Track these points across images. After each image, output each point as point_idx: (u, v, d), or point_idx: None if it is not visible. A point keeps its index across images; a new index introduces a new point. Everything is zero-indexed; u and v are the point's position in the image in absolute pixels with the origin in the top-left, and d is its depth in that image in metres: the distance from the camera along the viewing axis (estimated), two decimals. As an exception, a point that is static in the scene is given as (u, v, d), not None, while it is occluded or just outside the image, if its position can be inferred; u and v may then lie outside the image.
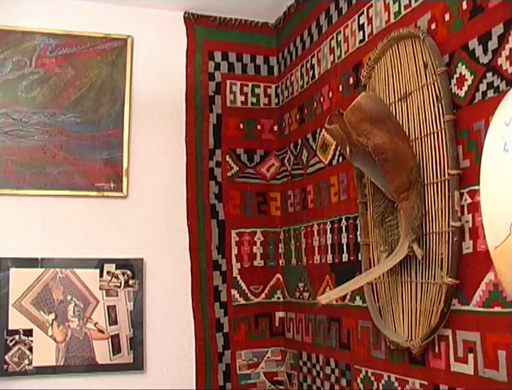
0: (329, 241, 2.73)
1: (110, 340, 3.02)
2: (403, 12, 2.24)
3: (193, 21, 3.31)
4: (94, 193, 3.07)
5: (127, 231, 3.11)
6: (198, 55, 3.28)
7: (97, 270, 3.02)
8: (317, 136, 2.85)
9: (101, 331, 3.02)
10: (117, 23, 3.22)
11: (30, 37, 3.09)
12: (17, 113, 3.03)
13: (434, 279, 2.05)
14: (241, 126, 3.28)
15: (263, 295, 3.22)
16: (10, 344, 2.91)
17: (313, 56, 2.93)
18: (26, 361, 2.92)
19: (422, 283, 2.11)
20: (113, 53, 3.16)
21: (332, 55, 2.75)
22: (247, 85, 3.32)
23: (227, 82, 3.29)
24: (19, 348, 2.92)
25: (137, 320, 3.05)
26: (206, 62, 3.28)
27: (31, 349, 2.93)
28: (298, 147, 3.05)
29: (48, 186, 3.02)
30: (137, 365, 3.05)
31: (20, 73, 3.06)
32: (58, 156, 3.04)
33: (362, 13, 2.50)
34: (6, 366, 2.90)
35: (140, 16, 3.26)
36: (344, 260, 2.61)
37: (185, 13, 3.29)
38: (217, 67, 3.29)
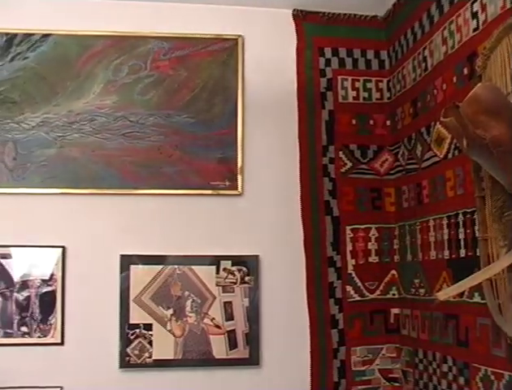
0: (446, 237, 2.66)
1: (226, 335, 3.08)
2: (520, -3, 2.15)
3: (301, 18, 3.31)
4: (210, 192, 3.13)
5: (242, 229, 3.16)
6: (308, 52, 3.28)
7: (214, 267, 3.09)
8: (431, 129, 2.79)
9: (217, 326, 3.08)
10: (227, 24, 3.27)
11: (144, 42, 3.19)
12: (134, 115, 3.14)
13: (558, 275, 1.97)
14: (354, 121, 3.25)
15: (378, 291, 3.18)
16: (132, 337, 3.03)
17: (425, 48, 2.87)
18: (146, 354, 3.04)
19: (545, 280, 2.03)
20: (224, 53, 3.22)
21: (445, 46, 2.68)
22: (358, 80, 3.29)
23: (339, 78, 3.27)
24: (140, 342, 3.03)
25: (253, 316, 3.09)
26: (316, 59, 3.27)
27: (151, 343, 3.04)
28: (412, 141, 2.99)
29: (164, 185, 3.11)
30: (253, 360, 3.10)
31: (136, 76, 3.17)
32: (173, 156, 3.13)
33: (476, 0, 2.43)
34: (127, 359, 3.02)
35: (249, 16, 3.30)
36: (461, 256, 2.54)
37: (294, 10, 3.30)
38: (327, 63, 3.27)
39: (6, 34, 3.11)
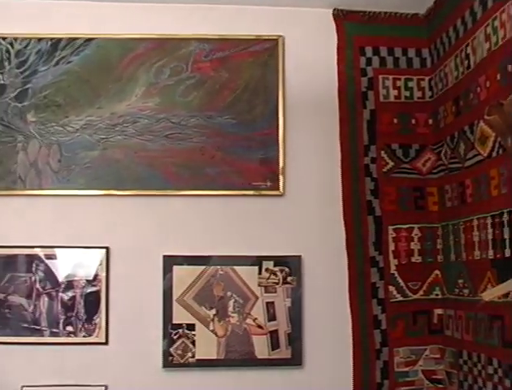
0: (490, 236, 2.63)
1: (268, 335, 3.09)
2: None
3: (342, 17, 3.29)
4: (251, 192, 3.14)
5: (284, 229, 3.16)
6: (349, 51, 3.26)
7: (256, 268, 3.10)
8: (474, 128, 2.76)
9: (260, 326, 3.09)
10: (268, 24, 3.27)
11: (185, 44, 3.22)
12: (176, 117, 3.17)
13: None
14: (395, 121, 3.23)
15: (421, 292, 3.15)
16: (175, 337, 3.06)
17: (467, 45, 2.83)
18: (189, 354, 3.06)
19: None
20: (265, 53, 3.23)
21: (488, 43, 2.64)
22: (400, 79, 3.26)
23: (380, 77, 3.25)
24: (183, 342, 3.06)
25: (295, 316, 3.09)
26: (357, 58, 3.26)
27: (193, 343, 3.06)
28: (455, 140, 2.96)
29: (206, 186, 3.13)
30: (296, 360, 3.10)
31: (177, 78, 3.20)
32: (215, 157, 3.14)
33: (520, -4, 2.39)
34: (170, 358, 3.05)
35: (289, 16, 3.30)
36: (506, 255, 2.50)
37: (334, 10, 3.29)
38: (368, 62, 3.26)
39: (51, 39, 3.17)
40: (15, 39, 3.17)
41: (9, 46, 3.17)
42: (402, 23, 3.31)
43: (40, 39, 3.17)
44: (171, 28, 3.23)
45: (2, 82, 3.15)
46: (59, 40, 3.18)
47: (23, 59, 3.17)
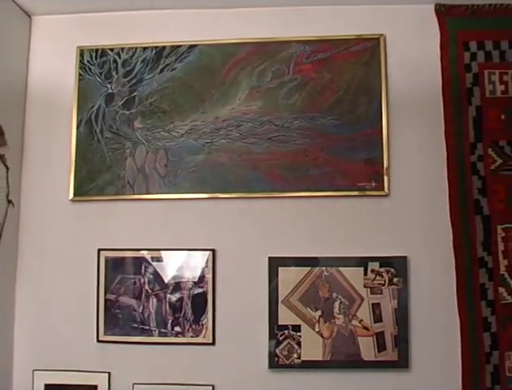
0: None
1: (374, 337, 3.07)
2: None
3: (444, 12, 3.23)
4: (356, 193, 3.13)
5: (389, 229, 3.12)
6: (453, 47, 3.19)
7: (362, 269, 3.08)
8: None
9: (365, 328, 3.07)
10: (368, 23, 3.26)
11: (286, 46, 3.25)
12: (279, 119, 3.19)
13: None
14: (503, 117, 3.13)
15: (533, 293, 3.07)
16: (281, 338, 3.08)
17: None
18: (295, 355, 3.07)
19: None
20: (366, 53, 3.21)
21: None
22: (507, 73, 3.16)
23: (485, 72, 3.16)
24: (289, 343, 3.07)
25: (402, 318, 3.05)
26: (461, 54, 3.19)
27: (299, 344, 3.07)
28: None
29: (311, 188, 3.14)
30: (402, 362, 3.06)
31: (279, 81, 3.23)
32: (319, 158, 3.15)
33: None
34: (276, 359, 3.07)
35: (390, 14, 3.27)
36: None
37: (436, 5, 3.23)
38: (473, 57, 3.18)
39: (156, 47, 3.28)
40: (122, 49, 3.30)
41: (116, 57, 3.30)
42: (508, 15, 3.21)
43: (145, 48, 3.29)
44: (271, 32, 3.27)
45: (111, 91, 3.28)
46: (163, 48, 3.27)
47: (130, 68, 3.28)
